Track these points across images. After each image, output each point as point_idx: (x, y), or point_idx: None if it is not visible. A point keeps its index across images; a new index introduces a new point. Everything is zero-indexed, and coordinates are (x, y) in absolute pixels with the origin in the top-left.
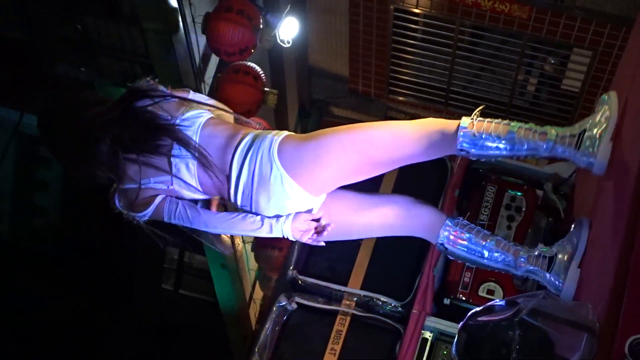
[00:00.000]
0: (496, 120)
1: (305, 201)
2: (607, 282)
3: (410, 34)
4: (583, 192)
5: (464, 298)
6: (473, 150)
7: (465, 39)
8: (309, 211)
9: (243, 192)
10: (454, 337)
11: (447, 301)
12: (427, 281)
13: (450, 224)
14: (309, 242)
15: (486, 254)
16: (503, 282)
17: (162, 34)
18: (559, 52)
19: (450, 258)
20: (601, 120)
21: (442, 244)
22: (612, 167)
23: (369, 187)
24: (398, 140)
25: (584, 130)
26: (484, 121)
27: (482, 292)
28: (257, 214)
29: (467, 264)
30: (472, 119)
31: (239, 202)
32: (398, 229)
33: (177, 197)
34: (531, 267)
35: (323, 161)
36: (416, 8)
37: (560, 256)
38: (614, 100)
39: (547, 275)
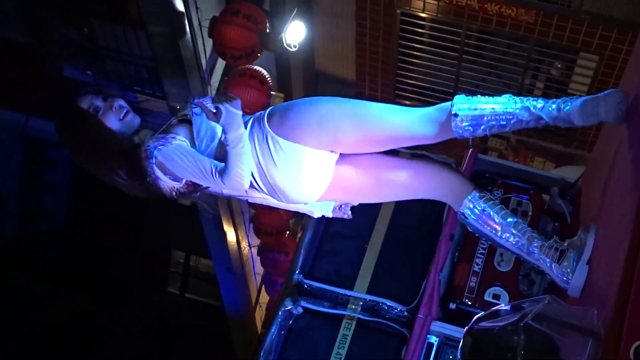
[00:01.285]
0: None
1: (317, 157)
2: (612, 288)
3: (417, 38)
4: (589, 197)
5: (469, 303)
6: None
7: (471, 43)
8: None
9: (260, 178)
10: (460, 342)
11: (452, 306)
12: (433, 286)
13: (476, 195)
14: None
15: (502, 233)
16: (509, 286)
17: (168, 38)
18: (566, 56)
19: (469, 229)
20: None
21: (463, 214)
22: (617, 173)
23: None
24: (397, 121)
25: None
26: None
27: (487, 297)
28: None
29: (482, 238)
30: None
31: (265, 190)
32: (425, 192)
33: None
34: (542, 256)
35: (320, 123)
36: (423, 12)
37: (570, 251)
38: None
39: (556, 267)
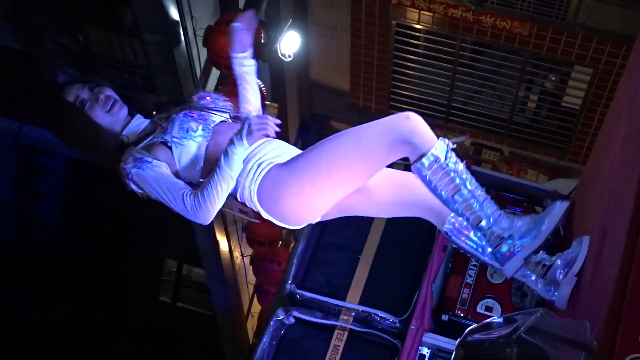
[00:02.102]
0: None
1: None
2: (605, 301)
3: (412, 49)
4: (583, 210)
5: (462, 314)
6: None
7: (466, 55)
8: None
9: (247, 204)
10: (452, 354)
11: (445, 317)
12: (426, 297)
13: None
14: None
15: (485, 249)
16: (501, 299)
17: (163, 46)
18: (560, 69)
19: (454, 246)
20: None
21: (446, 232)
22: (611, 186)
23: None
24: (371, 162)
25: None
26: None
27: (480, 309)
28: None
29: (467, 254)
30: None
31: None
32: (407, 210)
33: None
34: (527, 272)
35: (304, 205)
36: (418, 24)
37: (559, 262)
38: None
39: (541, 281)
